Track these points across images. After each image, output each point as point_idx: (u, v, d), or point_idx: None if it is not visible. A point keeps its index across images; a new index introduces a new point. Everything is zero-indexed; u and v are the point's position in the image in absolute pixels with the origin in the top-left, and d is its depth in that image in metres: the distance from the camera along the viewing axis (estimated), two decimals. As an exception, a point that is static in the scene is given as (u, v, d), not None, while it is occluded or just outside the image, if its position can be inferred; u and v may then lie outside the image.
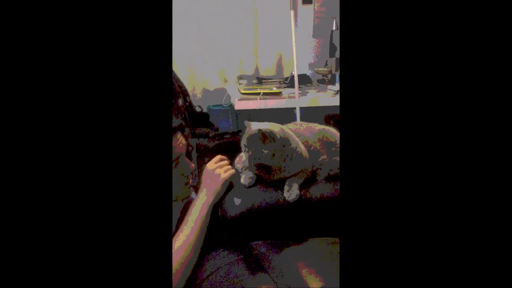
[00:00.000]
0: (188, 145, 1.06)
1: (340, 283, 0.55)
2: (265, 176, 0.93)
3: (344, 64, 0.57)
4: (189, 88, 2.25)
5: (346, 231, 0.56)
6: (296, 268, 0.80)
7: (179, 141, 0.93)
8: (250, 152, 0.89)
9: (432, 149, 0.53)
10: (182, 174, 0.95)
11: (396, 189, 0.54)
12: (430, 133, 0.53)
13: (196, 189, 1.01)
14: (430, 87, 0.53)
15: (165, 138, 0.61)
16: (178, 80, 2.19)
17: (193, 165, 0.98)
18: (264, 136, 0.87)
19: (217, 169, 0.96)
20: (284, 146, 0.89)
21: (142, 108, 0.57)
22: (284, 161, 0.90)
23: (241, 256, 0.89)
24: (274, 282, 0.80)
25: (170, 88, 0.56)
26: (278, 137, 0.88)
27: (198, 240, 0.89)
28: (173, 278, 0.84)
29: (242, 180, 0.94)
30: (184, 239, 0.88)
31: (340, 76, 0.61)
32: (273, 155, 0.88)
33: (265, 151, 0.88)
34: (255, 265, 0.87)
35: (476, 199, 0.52)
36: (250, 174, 0.94)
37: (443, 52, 0.53)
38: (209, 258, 0.88)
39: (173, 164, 0.93)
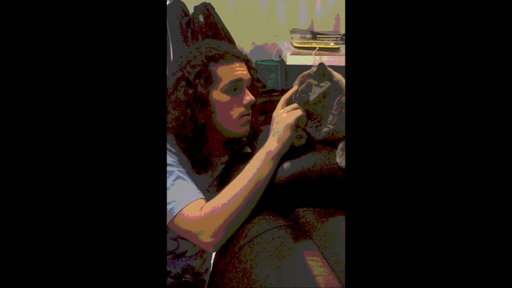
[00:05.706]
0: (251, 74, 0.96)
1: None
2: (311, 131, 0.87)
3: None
4: (236, 42, 2.15)
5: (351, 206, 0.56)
6: (343, 240, 0.73)
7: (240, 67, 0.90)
8: (300, 86, 0.83)
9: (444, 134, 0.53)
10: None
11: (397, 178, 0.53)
12: (443, 117, 0.53)
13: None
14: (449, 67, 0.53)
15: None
16: (226, 31, 2.09)
17: (252, 97, 0.91)
18: (323, 71, 0.82)
19: (283, 114, 0.84)
20: (339, 95, 0.82)
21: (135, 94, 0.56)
22: (333, 112, 0.83)
23: (287, 223, 0.83)
24: (319, 250, 0.74)
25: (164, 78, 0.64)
26: (336, 79, 0.82)
27: (254, 195, 0.80)
28: (213, 232, 0.79)
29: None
30: (237, 191, 0.80)
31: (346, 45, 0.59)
32: (324, 96, 0.82)
33: (318, 88, 0.82)
34: (301, 233, 0.81)
35: (487, 180, 0.51)
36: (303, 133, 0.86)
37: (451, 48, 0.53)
38: (253, 222, 0.82)
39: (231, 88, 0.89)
